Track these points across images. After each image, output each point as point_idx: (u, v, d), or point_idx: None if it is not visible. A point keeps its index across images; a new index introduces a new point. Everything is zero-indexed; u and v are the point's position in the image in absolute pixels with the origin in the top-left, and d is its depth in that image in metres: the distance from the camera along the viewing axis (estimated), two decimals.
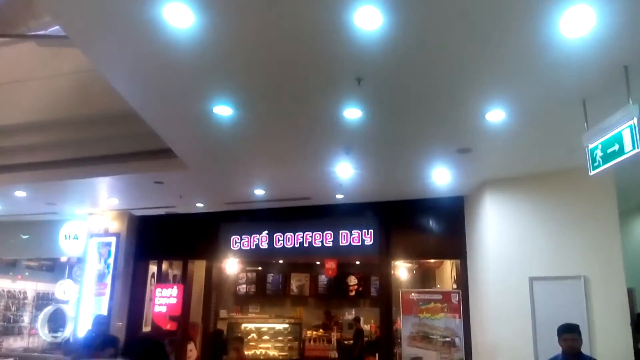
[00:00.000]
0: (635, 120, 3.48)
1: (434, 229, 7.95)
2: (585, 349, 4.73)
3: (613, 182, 5.77)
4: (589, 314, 5.62)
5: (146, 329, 9.26)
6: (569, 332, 4.34)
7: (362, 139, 5.27)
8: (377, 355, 9.05)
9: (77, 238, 9.48)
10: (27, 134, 6.94)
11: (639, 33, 3.21)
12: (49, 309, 10.28)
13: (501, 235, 6.39)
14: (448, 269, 9.52)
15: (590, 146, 4.05)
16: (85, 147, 6.88)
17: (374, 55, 3.52)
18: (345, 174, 6.47)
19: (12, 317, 11.62)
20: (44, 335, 10.22)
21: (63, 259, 10.73)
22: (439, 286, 10.18)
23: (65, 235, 9.59)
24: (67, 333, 9.56)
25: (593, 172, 4.05)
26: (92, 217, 9.31)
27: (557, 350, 4.48)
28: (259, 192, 7.66)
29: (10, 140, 7.10)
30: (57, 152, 7.06)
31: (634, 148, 3.52)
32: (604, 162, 3.90)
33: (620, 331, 5.52)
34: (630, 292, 6.35)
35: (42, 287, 12.35)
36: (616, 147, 3.72)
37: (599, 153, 3.96)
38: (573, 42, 3.29)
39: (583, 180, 5.50)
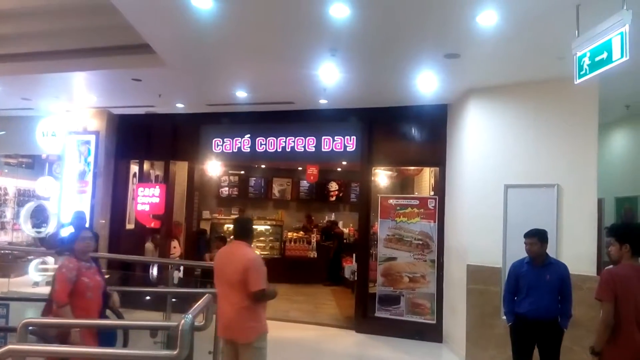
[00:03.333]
0: (627, 27, 3.40)
1: (416, 136, 7.96)
2: (551, 253, 5.02)
3: (596, 94, 5.77)
4: (559, 221, 5.85)
5: (130, 226, 9.44)
6: (527, 237, 4.76)
7: (349, 40, 5.07)
8: (354, 255, 9.49)
9: (55, 135, 9.32)
10: None
11: None
12: (30, 205, 10.35)
13: (481, 143, 6.45)
14: (427, 177, 9.70)
15: (579, 53, 3.98)
16: (59, 39, 6.56)
17: None
18: (329, 77, 6.33)
19: None
20: (27, 230, 10.37)
21: (43, 156, 10.63)
22: (417, 193, 10.43)
23: (43, 132, 9.41)
24: (50, 229, 9.70)
25: (578, 81, 4.01)
26: (70, 115, 9.10)
27: (525, 254, 4.82)
28: (241, 94, 7.49)
29: None
30: (30, 44, 6.73)
31: (621, 56, 3.47)
32: (591, 71, 3.85)
33: (586, 238, 5.76)
34: (600, 202, 6.58)
35: (22, 184, 12.34)
36: (604, 55, 3.66)
37: (586, 61, 3.90)
38: None
39: (567, 90, 5.56)
